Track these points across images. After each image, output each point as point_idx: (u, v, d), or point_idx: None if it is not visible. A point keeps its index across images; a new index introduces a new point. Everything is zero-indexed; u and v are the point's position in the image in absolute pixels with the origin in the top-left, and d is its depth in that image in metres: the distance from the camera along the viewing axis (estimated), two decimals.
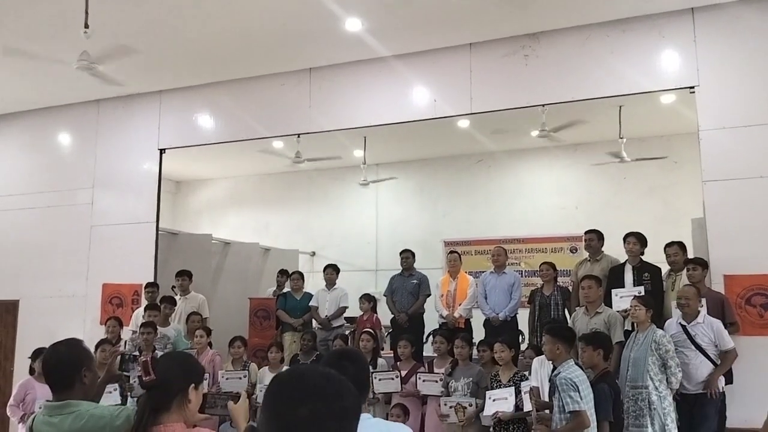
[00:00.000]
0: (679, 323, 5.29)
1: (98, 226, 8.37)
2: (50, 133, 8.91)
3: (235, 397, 2.61)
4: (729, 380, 5.30)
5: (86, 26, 5.54)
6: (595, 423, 4.21)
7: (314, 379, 1.20)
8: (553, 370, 4.60)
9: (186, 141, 8.21)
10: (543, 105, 6.89)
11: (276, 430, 1.16)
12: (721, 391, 5.20)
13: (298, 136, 7.91)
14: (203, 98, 8.11)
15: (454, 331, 6.61)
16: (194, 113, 8.14)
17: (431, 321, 7.41)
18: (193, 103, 8.16)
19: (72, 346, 2.76)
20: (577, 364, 4.49)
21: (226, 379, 6.28)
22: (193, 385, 2.37)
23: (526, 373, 5.51)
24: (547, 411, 4.57)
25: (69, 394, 2.65)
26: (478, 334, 6.89)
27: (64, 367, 2.67)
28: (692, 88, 6.06)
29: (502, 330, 6.62)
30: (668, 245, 6.22)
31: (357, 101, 7.43)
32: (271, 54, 7.25)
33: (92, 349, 6.27)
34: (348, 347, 2.56)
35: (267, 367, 6.67)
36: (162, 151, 8.22)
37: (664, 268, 6.32)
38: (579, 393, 4.11)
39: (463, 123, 8.49)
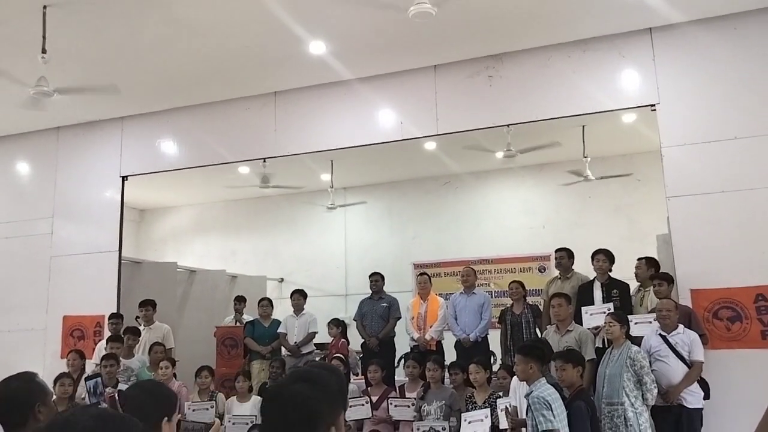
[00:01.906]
0: (659, 334, 5.31)
1: (58, 257, 8.11)
2: (8, 161, 8.66)
3: (208, 428, 2.49)
4: (707, 395, 5.30)
5: (44, 51, 5.41)
6: None
7: (84, 424, 1.03)
8: None
9: (149, 167, 8.05)
10: (507, 125, 6.94)
11: None
12: (701, 407, 5.21)
13: (264, 161, 7.83)
14: (166, 124, 7.98)
15: (425, 354, 6.54)
16: (157, 139, 8.00)
17: (402, 344, 7.33)
18: (156, 129, 8.01)
19: (25, 380, 2.61)
20: (550, 382, 4.45)
21: (193, 410, 6.08)
22: (166, 418, 2.26)
23: (500, 393, 5.46)
24: (523, 430, 4.51)
25: (22, 431, 2.51)
26: (450, 356, 6.83)
27: (17, 403, 2.52)
28: (653, 105, 6.16)
29: (473, 351, 6.57)
30: (638, 260, 6.31)
31: (323, 125, 7.39)
32: (234, 78, 7.18)
33: (51, 384, 6.08)
34: (309, 369, 2.41)
35: (235, 396, 6.50)
36: (124, 178, 8.04)
37: (633, 284, 6.38)
38: (552, 411, 4.07)
39: (430, 145, 8.51)
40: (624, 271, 6.49)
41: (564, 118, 6.71)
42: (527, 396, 4.27)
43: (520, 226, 10.45)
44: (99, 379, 3.40)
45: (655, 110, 6.15)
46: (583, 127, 8.39)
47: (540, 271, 10.06)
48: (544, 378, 4.28)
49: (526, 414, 4.33)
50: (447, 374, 6.06)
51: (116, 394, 2.29)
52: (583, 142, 8.63)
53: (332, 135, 7.36)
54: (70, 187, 8.27)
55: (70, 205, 8.22)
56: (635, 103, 6.33)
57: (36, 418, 2.54)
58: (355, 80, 7.16)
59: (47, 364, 7.55)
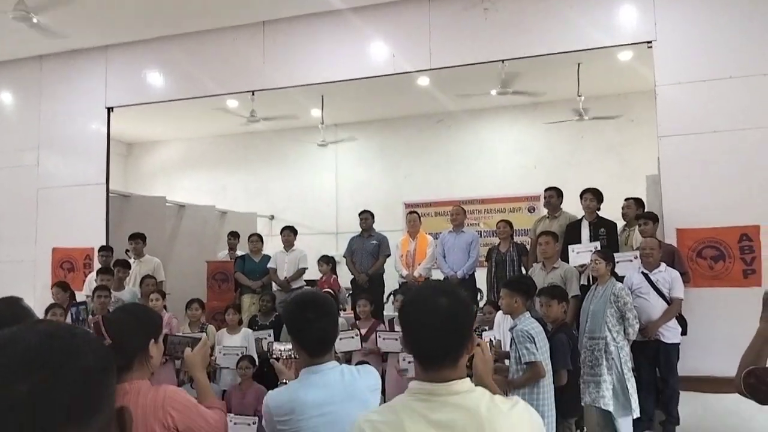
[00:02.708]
0: (642, 272, 5.39)
1: (45, 189, 8.05)
2: None
3: (194, 343, 2.49)
4: (684, 331, 5.42)
5: None
6: (551, 372, 4.26)
7: (29, 341, 0.88)
8: None
9: (135, 99, 7.90)
10: (502, 60, 6.82)
11: None
12: (678, 341, 5.34)
13: (253, 94, 7.69)
14: (152, 53, 7.78)
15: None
16: (143, 69, 7.82)
17: (391, 281, 7.40)
18: (142, 59, 7.83)
19: (9, 304, 2.60)
20: (534, 317, 4.52)
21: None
22: (152, 339, 2.28)
23: (486, 327, 5.55)
24: (506, 361, 4.61)
25: None
26: None
27: (1, 327, 2.53)
28: (650, 42, 6.05)
29: (464, 288, 6.64)
30: (625, 199, 6.34)
31: (313, 57, 7.22)
32: (222, 5, 6.97)
33: (42, 315, 6.13)
34: (310, 293, 2.52)
35: (225, 329, 6.58)
36: (110, 109, 7.90)
37: (620, 223, 6.42)
38: (535, 344, 4.14)
39: (423, 81, 8.38)
40: (613, 210, 6.51)
41: (560, 55, 6.60)
42: (511, 329, 4.33)
43: (511, 166, 10.44)
44: (84, 306, 3.40)
45: (651, 47, 6.05)
46: (579, 65, 8.26)
47: (529, 211, 10.09)
48: (528, 312, 4.34)
49: (510, 347, 4.41)
50: None
51: (101, 320, 2.27)
52: (578, 80, 8.52)
53: (322, 68, 7.21)
54: (56, 117, 8.13)
55: (55, 137, 8.10)
56: (632, 40, 6.22)
57: None
58: (347, 10, 6.97)
59: (38, 296, 7.59)
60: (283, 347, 5.29)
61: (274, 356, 4.91)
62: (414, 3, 6.84)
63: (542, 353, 4.21)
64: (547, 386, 4.24)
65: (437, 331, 1.53)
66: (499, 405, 1.52)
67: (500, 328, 5.26)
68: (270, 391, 2.28)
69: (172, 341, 2.49)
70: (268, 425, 2.27)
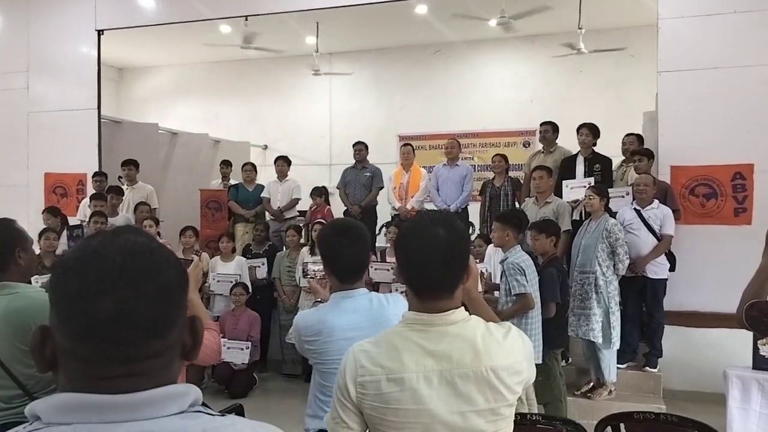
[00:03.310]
0: (634, 208, 5.43)
1: (36, 113, 7.92)
2: None
3: (186, 263, 2.52)
4: (672, 268, 5.51)
5: None
6: (539, 304, 4.35)
7: (115, 259, 0.87)
8: None
9: (125, 22, 7.68)
10: None
11: (75, 335, 0.86)
12: (666, 277, 5.43)
13: (246, 19, 7.48)
14: None
15: (404, 221, 6.63)
16: None
17: (384, 213, 7.43)
18: None
19: (3, 225, 2.62)
20: (525, 250, 4.58)
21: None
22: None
23: (477, 260, 5.62)
24: (495, 293, 4.70)
25: (4, 275, 2.54)
26: None
27: None
28: None
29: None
30: (626, 135, 6.30)
31: None
32: None
33: (36, 238, 6.15)
34: (345, 221, 2.58)
35: (219, 256, 6.65)
36: (100, 32, 7.68)
37: (618, 159, 6.41)
38: (525, 277, 4.22)
39: (421, 9, 8.18)
40: (610, 147, 6.48)
41: None
42: (502, 262, 4.40)
43: (508, 100, 10.31)
44: (80, 229, 3.41)
45: None
46: None
47: (524, 146, 10.05)
48: (519, 246, 4.39)
49: (501, 279, 4.49)
50: None
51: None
52: (579, 12, 8.32)
53: None
54: (45, 40, 7.91)
55: (45, 60, 7.91)
56: None
57: (17, 262, 2.57)
58: None
59: (31, 220, 7.55)
60: (318, 267, 5.34)
61: (309, 276, 4.97)
62: None
63: (532, 285, 4.29)
64: (535, 317, 4.35)
65: (436, 262, 1.53)
66: (494, 334, 1.55)
67: (491, 261, 5.33)
68: (300, 311, 2.34)
69: None
70: (297, 343, 2.36)
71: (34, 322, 2.46)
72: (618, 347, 5.18)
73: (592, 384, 5.32)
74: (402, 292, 5.48)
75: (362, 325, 2.16)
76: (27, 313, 2.46)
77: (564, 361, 5.70)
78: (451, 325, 1.53)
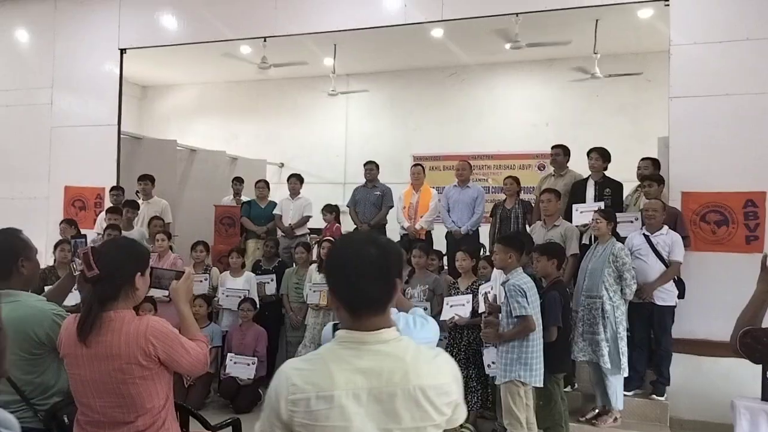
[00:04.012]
0: (643, 234, 5.40)
1: (59, 128, 8.13)
2: (6, 28, 8.48)
3: (179, 275, 2.57)
4: (681, 295, 5.45)
5: None
6: (541, 327, 4.34)
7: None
8: None
9: (147, 41, 7.88)
10: (516, 14, 6.70)
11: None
12: (674, 304, 5.38)
13: (264, 40, 7.63)
14: None
15: (413, 241, 6.66)
16: (156, 11, 7.78)
17: (393, 232, 7.45)
18: (155, 1, 7.78)
19: (8, 235, 2.70)
20: (528, 273, 4.58)
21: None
22: (139, 273, 2.36)
23: (483, 281, 5.62)
24: (499, 315, 4.69)
25: (7, 284, 2.62)
26: (439, 246, 6.98)
27: (1, 256, 2.63)
28: (666, 0, 5.91)
29: (463, 243, 6.69)
30: (642, 159, 6.27)
31: (324, 4, 7.13)
32: None
33: (52, 250, 6.29)
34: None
35: (228, 271, 6.72)
36: (123, 51, 7.90)
37: (632, 184, 6.37)
38: (526, 299, 4.21)
39: (437, 32, 8.25)
40: (625, 171, 6.45)
41: (577, 11, 6.48)
42: (504, 284, 4.40)
43: (523, 123, 10.33)
44: (83, 240, 3.47)
45: (668, 5, 5.91)
46: (597, 21, 8.10)
47: (539, 168, 10.05)
48: (521, 268, 4.39)
49: (502, 301, 4.49)
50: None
51: (90, 251, 2.35)
52: (595, 37, 8.35)
53: (334, 16, 7.12)
54: (69, 57, 8.15)
55: (69, 76, 8.14)
56: None
57: (19, 272, 2.65)
58: None
59: (50, 231, 7.74)
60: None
61: None
62: None
63: (533, 308, 4.28)
64: (536, 340, 4.34)
65: (370, 279, 1.57)
66: (425, 354, 1.59)
67: (497, 283, 5.33)
68: (329, 323, 2.33)
69: (157, 274, 2.56)
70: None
71: (33, 331, 2.53)
72: (626, 375, 5.12)
73: (597, 411, 5.26)
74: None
75: None
76: (28, 322, 2.54)
77: (570, 386, 5.66)
78: (382, 344, 1.56)
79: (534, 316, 4.26)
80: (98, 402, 2.30)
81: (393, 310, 2.29)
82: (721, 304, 5.41)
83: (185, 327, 2.48)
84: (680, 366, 5.46)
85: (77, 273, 2.82)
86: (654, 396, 5.38)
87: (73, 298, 5.12)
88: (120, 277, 2.31)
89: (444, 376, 1.58)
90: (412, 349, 1.58)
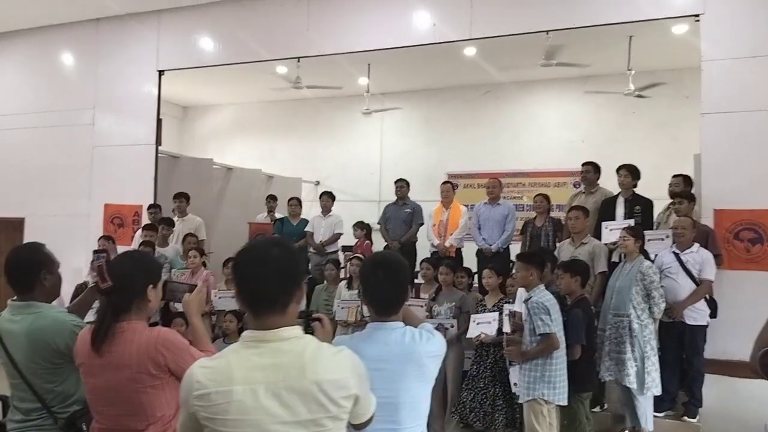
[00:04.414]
0: (673, 252, 5.30)
1: (100, 147, 8.45)
2: (51, 51, 8.90)
3: (192, 288, 2.64)
4: (713, 314, 5.31)
5: None
6: (564, 345, 4.28)
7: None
8: None
9: (185, 63, 8.16)
10: (546, 31, 6.69)
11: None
12: (705, 324, 5.24)
13: (298, 60, 7.80)
14: (202, 19, 8.00)
15: (440, 258, 6.65)
16: (193, 34, 8.05)
17: (423, 250, 7.46)
18: (192, 24, 8.05)
19: (32, 249, 2.83)
20: (552, 290, 4.53)
21: (219, 298, 6.45)
22: (151, 285, 2.44)
23: (510, 299, 5.57)
24: (524, 333, 4.64)
25: (31, 296, 2.73)
26: (469, 263, 6.95)
27: (24, 268, 2.74)
28: (697, 16, 5.85)
29: (494, 260, 6.65)
30: (673, 176, 6.18)
31: (356, 24, 7.28)
32: None
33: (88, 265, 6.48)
34: (387, 255, 2.71)
35: None
36: (161, 72, 8.18)
37: (665, 203, 6.26)
38: (550, 316, 4.17)
39: (470, 51, 8.30)
40: (661, 188, 6.33)
41: (611, 28, 6.46)
42: (526, 301, 4.36)
43: (559, 140, 10.25)
44: (104, 254, 3.59)
45: (698, 21, 5.83)
46: (630, 38, 8.03)
47: (575, 186, 9.90)
48: (543, 285, 4.36)
49: (525, 318, 4.45)
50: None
51: (104, 263, 2.44)
52: (629, 53, 8.28)
53: (365, 36, 7.25)
54: (111, 79, 8.48)
55: (110, 97, 8.47)
56: (679, 13, 6.02)
57: (42, 284, 2.76)
58: None
59: (90, 247, 7.98)
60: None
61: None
62: None
63: (556, 325, 4.23)
64: (560, 358, 4.28)
65: (269, 280, 1.66)
66: (324, 351, 1.68)
67: (520, 301, 5.28)
68: (337, 337, 2.41)
69: (171, 288, 2.65)
70: None
71: (54, 341, 2.63)
72: (656, 394, 5.00)
73: None
74: (434, 327, 5.53)
75: (391, 358, 2.22)
76: (48, 332, 2.64)
77: (599, 407, 5.55)
78: (282, 341, 1.66)
79: (558, 333, 4.21)
80: (110, 410, 2.36)
81: (398, 323, 2.33)
82: (756, 324, 5.17)
83: (196, 339, 2.54)
84: (713, 387, 5.31)
85: (92, 285, 2.93)
86: (686, 418, 5.23)
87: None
88: (132, 288, 2.39)
89: (342, 371, 1.68)
90: (312, 347, 1.67)
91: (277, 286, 1.68)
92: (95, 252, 3.19)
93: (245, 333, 1.71)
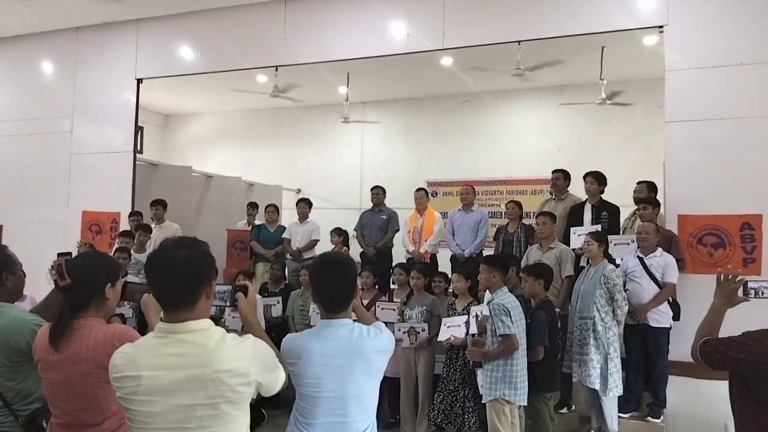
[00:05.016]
0: (637, 256, 5.43)
1: (78, 155, 8.47)
2: (30, 59, 8.92)
3: (148, 290, 2.69)
4: (676, 317, 5.43)
5: None
6: (525, 346, 4.38)
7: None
8: None
9: (164, 71, 8.21)
10: (518, 42, 6.83)
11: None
12: (669, 326, 5.36)
13: (276, 69, 7.89)
14: (180, 28, 8.06)
15: (414, 264, 6.74)
16: (171, 43, 8.11)
17: (399, 256, 7.55)
18: (171, 33, 8.12)
19: None
20: (518, 294, 4.64)
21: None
22: (110, 284, 2.51)
23: (477, 302, 5.67)
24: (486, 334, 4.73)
25: None
26: (444, 269, 7.04)
27: None
28: (661, 27, 6.00)
29: (466, 265, 6.75)
30: (638, 183, 6.33)
31: (332, 34, 7.37)
32: None
33: None
34: (334, 255, 2.84)
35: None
36: (139, 81, 8.23)
37: (627, 210, 6.40)
38: (510, 318, 4.27)
39: (447, 61, 8.42)
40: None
41: (582, 38, 6.58)
42: (488, 303, 4.46)
43: (535, 149, 10.40)
44: (69, 255, 3.58)
45: (662, 32, 5.99)
46: (603, 48, 8.19)
47: (550, 193, 10.05)
48: (505, 287, 4.46)
49: (488, 320, 4.54)
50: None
51: (64, 262, 2.51)
52: (601, 64, 8.44)
53: (341, 45, 7.34)
54: (89, 87, 8.52)
55: (88, 105, 8.50)
56: (645, 24, 6.15)
57: (4, 285, 2.83)
58: None
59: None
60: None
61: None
62: None
63: (517, 326, 4.33)
64: (520, 359, 4.38)
65: (174, 278, 1.86)
66: (227, 341, 1.86)
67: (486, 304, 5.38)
68: (288, 334, 2.49)
69: (131, 288, 2.72)
70: (283, 363, 2.45)
71: (15, 339, 2.69)
72: (618, 394, 5.11)
73: None
74: (404, 331, 5.60)
75: (338, 354, 2.32)
76: (9, 331, 2.70)
77: (566, 408, 5.65)
78: (188, 333, 1.86)
79: (518, 335, 4.30)
80: (68, 405, 2.43)
81: (346, 320, 2.42)
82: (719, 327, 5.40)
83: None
84: (677, 389, 5.42)
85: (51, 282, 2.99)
86: (650, 418, 5.34)
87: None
88: (91, 286, 2.46)
89: (242, 360, 1.86)
90: (216, 338, 1.86)
91: (183, 286, 1.88)
92: (60, 254, 3.25)
93: (158, 325, 1.93)
